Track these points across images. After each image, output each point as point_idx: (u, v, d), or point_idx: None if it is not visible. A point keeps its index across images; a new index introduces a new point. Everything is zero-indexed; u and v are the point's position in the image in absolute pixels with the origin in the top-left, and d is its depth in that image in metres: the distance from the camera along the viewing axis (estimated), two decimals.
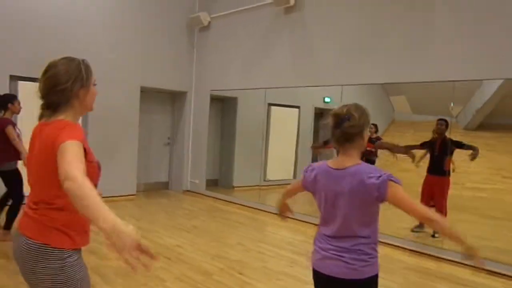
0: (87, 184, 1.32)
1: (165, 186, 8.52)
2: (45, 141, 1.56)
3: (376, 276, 1.85)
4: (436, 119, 5.97)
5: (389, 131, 8.95)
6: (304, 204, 8.54)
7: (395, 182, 1.72)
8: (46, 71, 1.63)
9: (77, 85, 1.63)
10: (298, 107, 9.74)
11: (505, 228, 6.38)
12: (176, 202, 7.45)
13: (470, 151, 5.54)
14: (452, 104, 6.80)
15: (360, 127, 1.83)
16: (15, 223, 1.50)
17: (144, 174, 8.06)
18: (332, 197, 1.86)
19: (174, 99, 8.48)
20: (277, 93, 8.48)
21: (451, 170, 5.53)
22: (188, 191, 8.18)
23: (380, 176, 1.72)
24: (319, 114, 10.63)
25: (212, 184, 8.45)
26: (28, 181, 1.69)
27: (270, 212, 6.78)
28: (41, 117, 1.69)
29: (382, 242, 4.92)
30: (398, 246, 5.02)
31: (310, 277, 3.85)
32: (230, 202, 7.45)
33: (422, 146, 6.04)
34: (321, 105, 10.22)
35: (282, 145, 9.62)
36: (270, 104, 9.09)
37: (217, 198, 7.70)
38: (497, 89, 9.96)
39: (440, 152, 5.45)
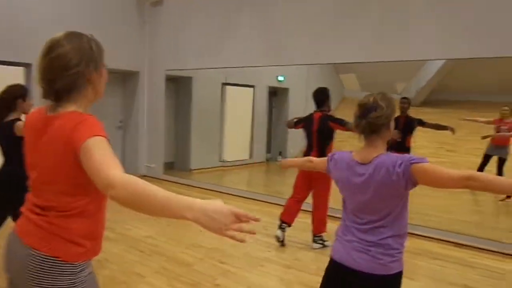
0: (135, 182, 1.12)
1: None
2: (57, 139, 1.30)
3: (402, 272, 1.79)
4: (400, 98, 6.11)
5: (339, 109, 9.09)
6: (271, 186, 8.55)
7: (418, 162, 1.62)
8: (48, 51, 1.31)
9: (90, 67, 1.35)
10: (252, 86, 9.62)
11: (459, 201, 6.79)
12: None
13: (447, 130, 5.78)
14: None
15: (387, 118, 1.76)
16: (11, 228, 1.27)
17: None
18: (357, 190, 1.79)
19: (125, 79, 7.98)
20: (231, 73, 8.29)
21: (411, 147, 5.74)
22: (144, 176, 7.83)
23: (401, 164, 1.65)
24: (273, 93, 10.60)
25: (168, 167, 8.17)
26: (32, 181, 1.42)
27: (232, 195, 6.69)
28: (50, 108, 1.38)
29: (413, 234, 5.03)
30: None
31: (292, 261, 3.85)
32: (190, 186, 7.24)
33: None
34: (275, 84, 10.19)
35: (238, 125, 9.51)
36: (224, 84, 8.90)
37: (175, 183, 7.46)
38: (440, 68, 10.47)
39: (403, 129, 5.60)
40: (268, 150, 10.62)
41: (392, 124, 1.81)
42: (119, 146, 8.06)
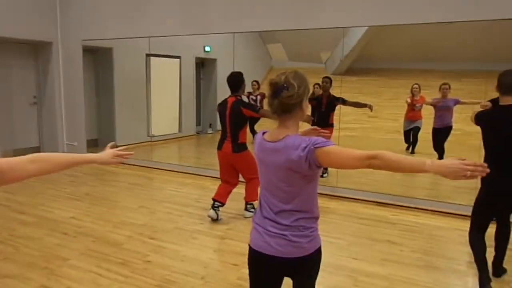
0: None
1: (36, 151, 7.47)
2: None
3: (320, 247, 1.77)
4: (322, 77, 6.25)
5: (267, 79, 9.10)
6: (203, 158, 8.43)
7: (322, 146, 1.58)
8: None
9: None
10: (178, 57, 9.30)
11: None
12: None
13: (366, 108, 5.96)
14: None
15: (300, 97, 1.68)
16: None
17: (9, 140, 6.97)
18: (267, 171, 1.74)
19: (37, 51, 7.31)
20: (156, 43, 7.93)
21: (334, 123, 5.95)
22: None
23: (305, 147, 1.59)
24: (201, 64, 10.35)
25: (92, 145, 7.74)
26: None
27: (163, 169, 6.52)
28: None
29: (343, 197, 5.11)
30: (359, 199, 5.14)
31: (225, 231, 3.84)
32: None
33: (311, 102, 6.34)
34: (202, 55, 9.94)
35: (165, 98, 9.21)
36: (148, 55, 8.50)
37: None
38: (362, 36, 10.83)
39: (326, 107, 5.80)
40: (198, 123, 10.45)
41: (306, 104, 1.73)
42: (35, 123, 7.46)
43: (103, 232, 3.83)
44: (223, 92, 11.85)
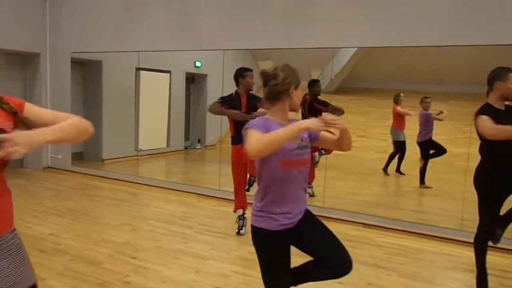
0: None
1: (19, 164, 7.36)
2: None
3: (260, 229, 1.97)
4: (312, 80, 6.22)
5: (258, 95, 9.08)
6: (190, 174, 8.33)
7: (248, 128, 1.82)
8: None
9: None
10: (168, 72, 9.27)
11: (369, 183, 7.18)
12: (37, 181, 6.51)
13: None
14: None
15: (286, 86, 1.91)
16: None
17: None
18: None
19: (24, 62, 7.22)
20: (146, 57, 7.90)
21: None
22: (49, 167, 7.22)
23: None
24: (191, 79, 10.33)
25: (77, 158, 7.62)
26: None
27: (149, 185, 6.41)
28: None
29: (330, 218, 5.07)
30: None
31: (209, 252, 3.74)
32: (102, 177, 6.81)
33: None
34: (192, 70, 9.93)
35: (154, 112, 9.14)
36: (138, 69, 8.45)
37: (86, 174, 6.97)
38: (351, 56, 10.94)
39: (309, 112, 5.71)
40: (186, 138, 10.37)
41: (296, 93, 1.95)
42: None
43: (83, 250, 3.71)
44: None
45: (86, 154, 7.96)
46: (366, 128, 9.88)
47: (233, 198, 4.40)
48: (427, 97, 6.78)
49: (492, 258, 3.28)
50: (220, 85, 10.59)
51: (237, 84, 4.26)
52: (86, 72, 7.86)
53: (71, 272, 3.25)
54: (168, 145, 9.54)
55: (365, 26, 4.78)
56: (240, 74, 4.22)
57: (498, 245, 3.20)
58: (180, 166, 9.62)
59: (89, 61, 7.53)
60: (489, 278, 2.97)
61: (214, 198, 5.70)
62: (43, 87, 7.11)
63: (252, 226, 1.99)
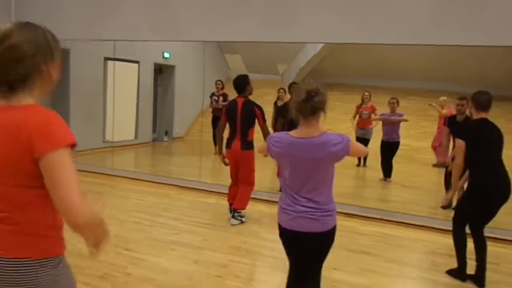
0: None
1: None
2: (12, 131, 1.20)
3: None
4: (290, 83, 6.37)
5: (225, 89, 9.24)
6: (158, 166, 8.23)
7: (351, 140, 2.10)
8: (2, 40, 1.23)
9: (47, 58, 1.29)
10: (137, 62, 9.09)
11: (342, 175, 7.45)
12: None
13: None
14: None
15: (325, 103, 2.09)
16: None
17: None
18: (297, 163, 2.11)
19: None
20: (114, 46, 7.72)
21: None
22: None
23: (342, 141, 2.06)
24: (159, 70, 10.17)
25: None
26: None
27: (122, 177, 6.30)
28: None
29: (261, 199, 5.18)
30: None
31: (202, 242, 3.79)
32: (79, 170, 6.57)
33: (279, 108, 6.45)
34: (161, 61, 9.79)
35: (122, 103, 8.93)
36: (107, 59, 8.23)
37: None
38: (319, 51, 11.18)
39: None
40: (154, 130, 10.23)
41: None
42: None
43: (73, 244, 3.61)
44: (181, 99, 11.72)
45: None
46: (333, 122, 10.13)
47: (213, 190, 4.93)
48: (393, 98, 6.93)
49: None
50: (188, 77, 10.56)
51: (245, 89, 4.35)
52: None
53: None
54: (136, 137, 9.38)
55: (335, 23, 4.90)
56: (248, 81, 4.38)
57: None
58: (151, 158, 9.49)
59: None
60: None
61: (194, 190, 5.71)
62: None
63: (334, 227, 2.17)
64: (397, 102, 6.85)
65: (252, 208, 4.65)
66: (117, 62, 8.36)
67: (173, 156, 9.99)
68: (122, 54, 8.29)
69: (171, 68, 10.24)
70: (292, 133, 2.14)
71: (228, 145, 4.38)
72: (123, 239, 3.79)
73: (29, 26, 1.29)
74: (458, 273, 3.26)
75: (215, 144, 8.25)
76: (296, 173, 2.13)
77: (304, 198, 2.12)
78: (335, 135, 2.08)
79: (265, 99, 9.54)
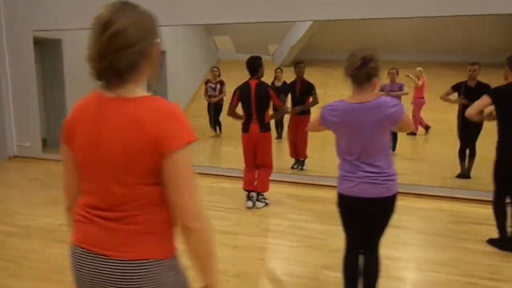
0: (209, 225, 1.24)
1: None
2: (135, 129, 1.14)
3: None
4: (295, 63, 6.29)
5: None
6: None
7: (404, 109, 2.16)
8: (104, 28, 1.14)
9: (151, 42, 1.20)
10: None
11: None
12: (10, 172, 6.06)
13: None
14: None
15: (379, 69, 2.14)
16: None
17: None
18: (358, 129, 2.14)
19: None
20: None
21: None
22: (16, 157, 6.73)
23: (397, 104, 2.13)
24: None
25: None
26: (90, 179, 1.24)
27: None
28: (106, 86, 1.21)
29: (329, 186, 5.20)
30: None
31: (234, 227, 3.81)
32: None
33: (285, 89, 6.40)
34: None
35: None
36: None
37: (60, 161, 6.56)
38: (308, 28, 11.14)
39: (300, 93, 5.81)
40: None
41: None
42: None
43: None
44: (172, 84, 11.54)
45: (49, 141, 7.49)
46: (325, 99, 10.21)
47: (224, 174, 5.18)
48: (392, 68, 7.00)
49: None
50: (177, 61, 10.40)
51: (258, 71, 4.29)
52: (44, 51, 7.29)
53: None
54: None
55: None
56: (261, 63, 4.33)
57: None
58: None
59: (47, 39, 6.98)
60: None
61: (204, 175, 5.67)
62: (1, 70, 6.52)
63: (396, 193, 2.21)
64: (397, 72, 6.96)
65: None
66: None
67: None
68: None
69: (162, 53, 10.04)
70: (347, 99, 2.17)
71: (245, 130, 4.32)
72: None
73: (130, 7, 1.19)
74: (499, 242, 3.36)
75: (214, 129, 8.23)
76: (354, 140, 2.16)
77: (365, 163, 2.16)
78: (390, 98, 2.17)
79: None
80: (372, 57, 2.10)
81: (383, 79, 7.20)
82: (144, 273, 1.18)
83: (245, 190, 4.43)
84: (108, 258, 1.18)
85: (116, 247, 1.19)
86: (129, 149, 1.15)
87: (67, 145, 1.28)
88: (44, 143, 7.34)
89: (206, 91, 8.48)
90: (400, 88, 6.77)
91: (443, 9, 4.54)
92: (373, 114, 2.10)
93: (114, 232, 1.19)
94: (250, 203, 4.37)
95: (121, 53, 1.13)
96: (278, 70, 7.57)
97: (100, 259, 1.19)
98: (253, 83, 4.25)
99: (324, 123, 2.25)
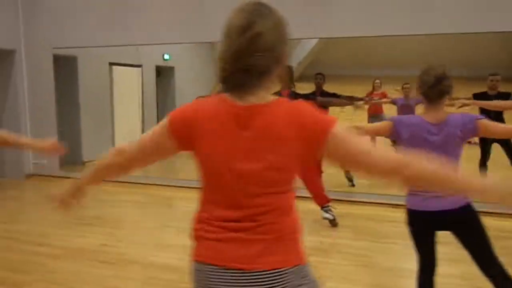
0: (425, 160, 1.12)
1: None
2: (279, 131, 1.12)
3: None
4: (314, 74, 6.31)
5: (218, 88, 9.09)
6: (178, 171, 8.00)
7: (480, 119, 2.13)
8: (245, 29, 1.10)
9: (284, 45, 1.16)
10: (140, 66, 8.87)
11: None
12: (33, 192, 5.96)
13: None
14: None
15: (452, 86, 2.14)
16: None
17: None
18: (429, 146, 2.06)
19: None
20: (117, 51, 7.51)
21: None
22: (32, 175, 6.62)
23: (471, 120, 2.11)
24: (157, 72, 9.94)
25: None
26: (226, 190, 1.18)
27: (157, 184, 6.12)
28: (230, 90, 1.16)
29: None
30: None
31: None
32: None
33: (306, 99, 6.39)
34: (161, 63, 9.59)
35: (128, 109, 8.76)
36: (112, 64, 8.00)
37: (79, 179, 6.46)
38: (315, 45, 11.29)
39: (320, 105, 5.81)
40: None
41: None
42: None
43: (149, 257, 3.53)
44: (182, 102, 11.58)
45: (64, 157, 7.41)
46: (332, 114, 10.28)
47: None
48: (406, 83, 7.08)
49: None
50: (187, 78, 10.42)
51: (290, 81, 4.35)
52: (59, 68, 7.25)
53: (160, 281, 3.11)
54: None
55: (328, 18, 5.14)
56: (293, 72, 4.46)
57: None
58: (177, 162, 9.20)
59: (63, 57, 6.95)
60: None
61: None
62: (19, 88, 6.45)
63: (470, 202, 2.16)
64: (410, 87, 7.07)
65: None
66: (121, 67, 8.17)
67: (186, 159, 9.72)
68: (125, 59, 8.11)
69: (170, 69, 10.05)
70: (425, 116, 2.17)
71: None
72: None
73: (267, 10, 1.14)
74: None
75: None
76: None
77: None
78: (462, 115, 2.18)
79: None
80: (445, 75, 2.12)
81: (396, 93, 7.33)
82: (282, 282, 1.15)
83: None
84: (246, 272, 1.14)
85: (254, 259, 1.14)
86: (277, 159, 1.12)
87: (175, 138, 1.20)
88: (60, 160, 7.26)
89: None
90: (418, 102, 6.84)
91: (446, 27, 4.72)
92: (446, 132, 2.10)
93: (251, 244, 1.15)
94: (329, 215, 4.35)
95: (259, 56, 1.09)
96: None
97: (237, 275, 1.14)
98: (285, 93, 4.26)
99: (397, 135, 2.21)
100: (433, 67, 2.15)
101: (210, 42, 6.59)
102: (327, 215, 4.32)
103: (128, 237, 4.03)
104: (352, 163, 1.19)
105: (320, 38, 9.40)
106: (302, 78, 11.53)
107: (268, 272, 1.13)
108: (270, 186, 1.15)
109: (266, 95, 1.16)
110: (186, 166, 7.34)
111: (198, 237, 1.22)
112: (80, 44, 6.23)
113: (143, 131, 9.17)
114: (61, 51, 6.49)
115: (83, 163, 7.26)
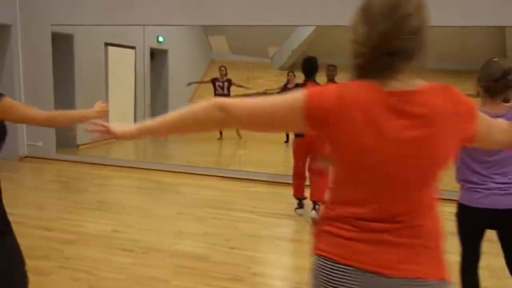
0: None
1: None
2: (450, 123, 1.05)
3: None
4: (327, 65, 6.20)
5: (209, 71, 9.03)
6: (182, 156, 7.82)
7: None
8: (393, 10, 1.02)
9: (427, 27, 1.07)
10: (134, 47, 8.59)
11: None
12: (29, 175, 5.71)
13: None
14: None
15: None
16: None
17: None
18: None
19: None
20: (112, 31, 7.26)
21: None
22: (27, 157, 6.35)
23: None
24: (151, 55, 9.66)
25: None
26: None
27: (156, 170, 5.98)
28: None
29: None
30: None
31: (298, 235, 3.72)
32: (97, 164, 6.14)
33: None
34: (155, 45, 9.32)
35: (121, 91, 8.51)
36: (107, 44, 7.73)
37: (76, 162, 6.25)
38: (311, 32, 11.19)
39: None
40: (152, 117, 9.80)
41: None
42: None
43: (171, 245, 3.42)
44: (175, 85, 11.36)
45: (58, 139, 7.13)
46: None
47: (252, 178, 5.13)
48: None
49: None
50: (181, 61, 10.20)
51: (315, 73, 4.14)
52: (55, 46, 6.94)
53: (189, 270, 3.01)
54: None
55: (324, 5, 5.12)
56: (318, 64, 4.21)
57: None
58: (169, 147, 8.98)
59: (58, 34, 6.64)
60: None
61: (236, 180, 5.53)
62: (14, 65, 6.13)
63: None
64: None
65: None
66: (116, 48, 7.92)
67: (192, 145, 9.44)
68: (120, 40, 7.86)
69: (164, 52, 9.80)
70: (484, 109, 2.16)
71: (301, 134, 4.21)
72: (219, 237, 3.61)
73: None
74: None
75: (220, 132, 8.09)
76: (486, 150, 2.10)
77: (497, 174, 2.09)
78: None
79: (259, 83, 9.39)
80: (511, 69, 2.08)
81: None
82: None
83: (297, 198, 4.32)
84: (384, 276, 1.05)
85: (394, 264, 1.05)
86: (439, 147, 1.04)
87: (310, 120, 1.07)
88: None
89: (215, 90, 8.27)
90: None
91: (439, 20, 4.64)
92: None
93: (393, 247, 1.06)
94: (301, 211, 4.27)
95: (406, 39, 1.01)
96: (290, 74, 7.67)
97: (374, 279, 1.06)
98: (310, 85, 4.16)
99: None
100: (497, 61, 2.11)
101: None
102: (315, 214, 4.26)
103: (140, 223, 3.88)
104: (489, 141, 1.20)
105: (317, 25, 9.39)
106: (295, 66, 11.45)
107: (409, 281, 1.05)
108: (426, 180, 1.08)
109: (411, 81, 1.06)
110: (175, 151, 7.19)
111: (327, 232, 1.14)
112: (78, 22, 5.97)
113: (135, 112, 8.93)
114: (58, 28, 6.20)
115: (77, 146, 7.01)
